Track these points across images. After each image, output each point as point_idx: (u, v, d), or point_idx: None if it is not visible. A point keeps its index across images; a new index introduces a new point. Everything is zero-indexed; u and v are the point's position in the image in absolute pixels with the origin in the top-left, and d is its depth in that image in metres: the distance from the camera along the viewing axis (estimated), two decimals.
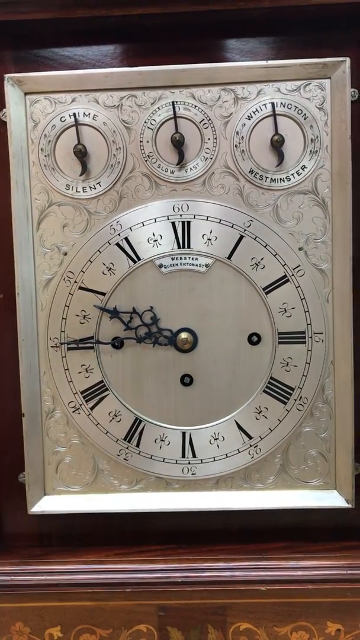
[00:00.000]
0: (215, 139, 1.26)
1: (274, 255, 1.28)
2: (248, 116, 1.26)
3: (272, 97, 1.25)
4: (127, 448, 1.33)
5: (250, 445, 1.32)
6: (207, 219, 1.28)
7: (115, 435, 1.33)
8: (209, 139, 1.27)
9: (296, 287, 1.29)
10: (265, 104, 1.25)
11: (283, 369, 1.30)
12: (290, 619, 1.25)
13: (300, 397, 1.31)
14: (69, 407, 1.32)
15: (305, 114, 1.25)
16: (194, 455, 1.32)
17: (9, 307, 1.30)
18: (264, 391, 1.31)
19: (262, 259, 1.28)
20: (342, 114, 1.24)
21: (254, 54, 1.27)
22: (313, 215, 1.27)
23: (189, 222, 1.28)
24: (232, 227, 1.28)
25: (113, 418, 1.33)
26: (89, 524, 1.35)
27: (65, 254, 1.30)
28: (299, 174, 1.27)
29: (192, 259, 1.29)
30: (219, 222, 1.28)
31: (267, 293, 1.29)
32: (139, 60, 1.26)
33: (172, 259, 1.29)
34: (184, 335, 1.30)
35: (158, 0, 1.19)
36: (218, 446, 1.32)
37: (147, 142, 1.27)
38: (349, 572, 1.26)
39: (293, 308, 1.29)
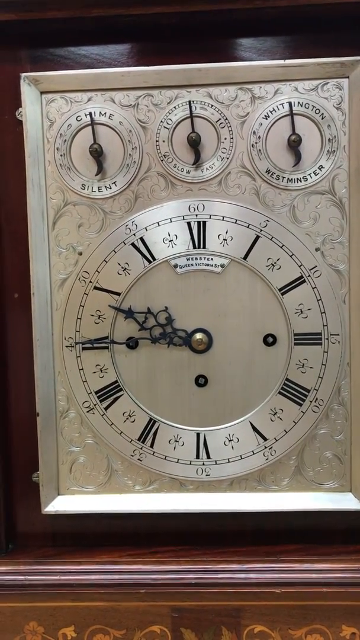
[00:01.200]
0: (232, 138, 1.26)
1: (290, 256, 1.27)
2: (265, 116, 1.25)
3: (290, 97, 1.24)
4: (141, 448, 1.33)
5: (265, 447, 1.31)
6: (223, 219, 1.27)
7: (130, 436, 1.32)
8: (225, 138, 1.26)
9: (312, 288, 1.28)
10: (282, 104, 1.24)
11: (299, 371, 1.30)
12: (304, 622, 1.24)
13: (316, 398, 1.30)
14: (83, 407, 1.32)
15: (322, 114, 1.24)
16: (208, 457, 1.32)
17: (24, 307, 1.30)
18: (279, 392, 1.30)
19: (278, 259, 1.28)
20: None
21: (271, 53, 1.26)
22: (330, 216, 1.26)
23: (204, 222, 1.28)
24: (248, 227, 1.27)
25: (127, 418, 1.32)
26: (102, 524, 1.34)
27: (81, 253, 1.29)
28: (316, 174, 1.26)
29: (208, 259, 1.29)
30: (235, 222, 1.27)
31: (283, 294, 1.28)
32: (156, 59, 1.25)
33: (188, 259, 1.29)
34: (198, 335, 1.29)
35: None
36: (232, 447, 1.31)
37: (163, 141, 1.26)
38: None
39: (309, 309, 1.28)
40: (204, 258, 1.29)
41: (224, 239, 1.28)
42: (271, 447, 1.31)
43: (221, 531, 1.34)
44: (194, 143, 1.25)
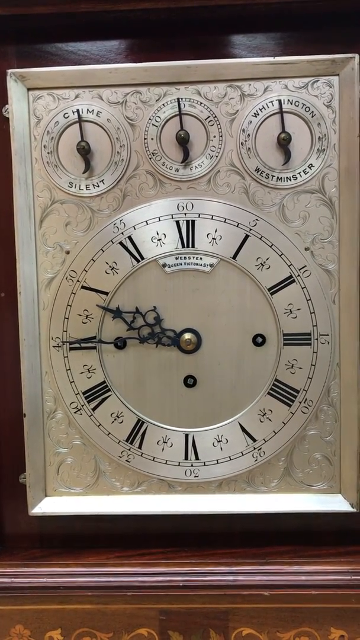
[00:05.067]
0: (221, 136, 1.24)
1: (280, 255, 1.26)
2: (254, 113, 1.23)
3: (279, 94, 1.23)
4: (129, 450, 1.31)
5: (254, 448, 1.30)
6: (212, 218, 1.26)
7: (117, 437, 1.31)
8: (214, 136, 1.24)
9: (302, 288, 1.27)
10: (272, 101, 1.23)
11: (288, 371, 1.28)
12: (293, 625, 1.23)
13: (305, 399, 1.29)
14: (71, 408, 1.31)
15: (312, 112, 1.23)
16: (196, 458, 1.31)
17: (10, 306, 1.29)
18: (269, 393, 1.29)
19: (267, 259, 1.26)
20: (351, 112, 1.21)
21: (261, 50, 1.25)
22: (320, 215, 1.25)
23: (193, 221, 1.26)
24: (237, 226, 1.26)
25: (115, 419, 1.31)
26: (90, 526, 1.33)
27: (68, 252, 1.28)
28: (305, 173, 1.25)
29: (197, 258, 1.27)
30: (224, 221, 1.26)
31: (272, 294, 1.27)
32: (144, 55, 1.24)
33: (176, 258, 1.27)
34: (187, 335, 1.28)
35: None
36: (221, 448, 1.30)
37: (152, 139, 1.25)
38: (353, 577, 1.24)
39: (299, 309, 1.27)
40: (193, 257, 1.27)
41: (213, 238, 1.26)
42: (260, 448, 1.30)
43: (210, 533, 1.32)
44: (183, 141, 1.23)
